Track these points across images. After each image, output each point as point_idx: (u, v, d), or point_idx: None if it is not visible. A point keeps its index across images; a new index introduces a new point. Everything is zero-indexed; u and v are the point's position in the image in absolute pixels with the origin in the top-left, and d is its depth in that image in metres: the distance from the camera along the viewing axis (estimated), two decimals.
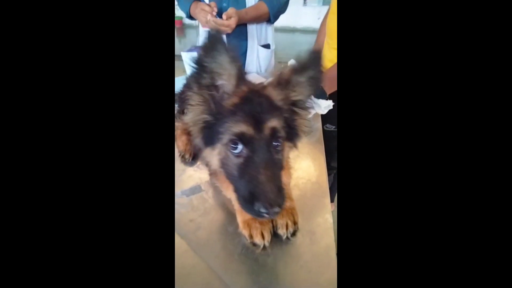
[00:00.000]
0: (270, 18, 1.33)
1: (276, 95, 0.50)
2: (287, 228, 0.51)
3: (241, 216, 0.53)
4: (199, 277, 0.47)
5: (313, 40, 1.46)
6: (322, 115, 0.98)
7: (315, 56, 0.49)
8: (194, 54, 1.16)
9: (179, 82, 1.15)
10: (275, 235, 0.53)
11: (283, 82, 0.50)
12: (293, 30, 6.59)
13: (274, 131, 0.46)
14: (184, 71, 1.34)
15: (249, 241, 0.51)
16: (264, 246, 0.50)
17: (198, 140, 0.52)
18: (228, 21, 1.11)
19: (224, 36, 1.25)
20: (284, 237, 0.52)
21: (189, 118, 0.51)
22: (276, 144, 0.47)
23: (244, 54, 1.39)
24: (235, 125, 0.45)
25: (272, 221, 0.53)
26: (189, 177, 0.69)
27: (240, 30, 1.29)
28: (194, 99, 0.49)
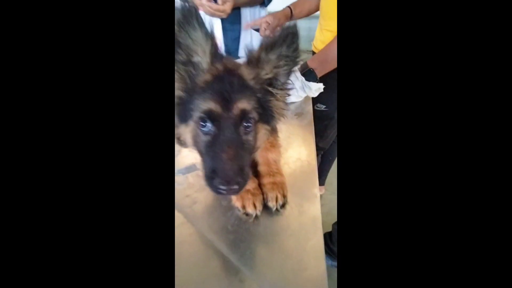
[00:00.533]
0: (264, 1, 1.32)
1: (247, 74, 0.49)
2: (276, 201, 0.55)
3: None
4: (195, 245, 0.51)
5: (311, 25, 1.44)
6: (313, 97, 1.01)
7: (288, 32, 0.46)
8: None
9: None
10: (265, 207, 0.57)
11: (253, 60, 0.49)
12: None
13: (243, 112, 0.46)
14: None
15: (242, 212, 0.55)
16: (256, 216, 0.54)
17: (176, 113, 0.52)
18: (223, 6, 1.11)
19: (219, 20, 1.26)
20: (274, 209, 0.56)
21: None
22: (246, 125, 0.47)
23: (238, 38, 1.39)
24: (204, 102, 0.45)
25: (263, 194, 0.57)
26: (185, 157, 0.72)
27: (234, 14, 1.28)
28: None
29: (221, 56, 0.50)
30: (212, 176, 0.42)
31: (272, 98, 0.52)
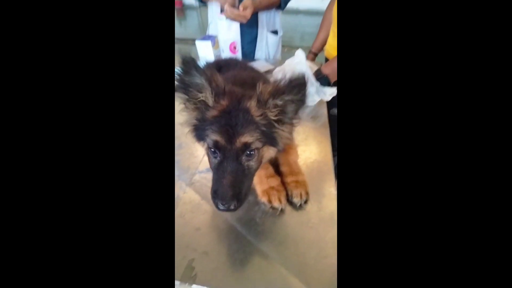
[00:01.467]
0: (281, 5, 1.37)
1: (254, 111, 0.53)
2: (301, 197, 0.63)
3: (260, 186, 0.65)
4: (226, 235, 0.59)
5: (317, 22, 1.51)
6: (327, 101, 1.07)
7: (296, 83, 0.51)
8: (208, 43, 1.22)
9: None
10: (289, 203, 0.64)
11: (262, 101, 0.53)
12: (296, 12, 6.42)
13: (245, 144, 0.52)
14: (196, 57, 1.40)
15: (268, 206, 0.63)
16: (282, 209, 0.62)
17: (192, 135, 0.61)
18: (244, 12, 1.18)
19: (238, 24, 1.32)
20: (298, 204, 0.64)
21: (184, 120, 0.60)
22: (249, 153, 0.54)
23: (254, 40, 1.45)
24: (211, 134, 0.53)
25: (287, 191, 0.64)
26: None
27: (252, 18, 1.34)
28: (188, 106, 0.57)
29: (223, 92, 0.55)
30: (214, 196, 0.52)
31: (277, 130, 0.57)
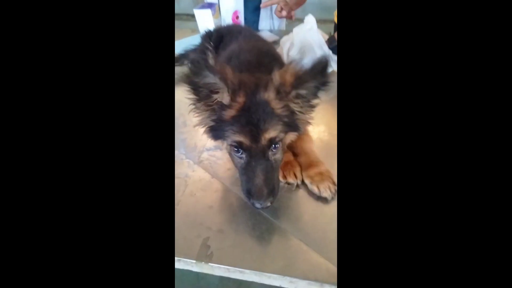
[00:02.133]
0: None
1: (275, 104, 0.49)
2: (330, 190, 0.56)
3: None
4: (243, 211, 0.56)
5: None
6: None
7: (319, 67, 0.47)
8: (208, 11, 1.13)
9: (192, 41, 1.14)
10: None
11: (283, 93, 0.49)
12: None
13: (271, 140, 0.49)
14: (194, 30, 1.31)
15: (284, 182, 0.59)
16: (297, 185, 0.59)
17: (208, 135, 0.56)
18: None
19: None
20: (330, 198, 0.56)
21: (198, 121, 0.55)
22: (274, 146, 0.51)
23: (258, 9, 1.34)
24: (233, 135, 0.49)
25: (311, 185, 0.58)
26: None
27: None
28: (199, 107, 0.52)
29: (238, 88, 0.49)
30: (248, 196, 0.50)
31: (298, 116, 0.53)
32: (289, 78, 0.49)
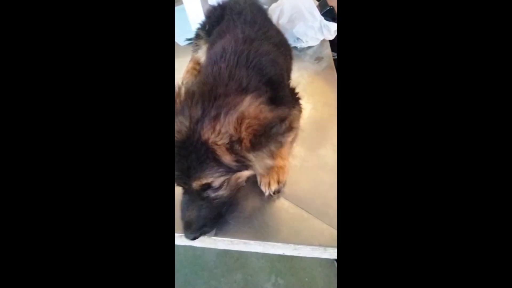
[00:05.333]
0: None
1: (228, 160, 0.41)
2: (268, 186, 0.52)
3: None
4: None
5: None
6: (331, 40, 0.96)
7: (276, 122, 0.39)
8: None
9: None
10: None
11: (237, 153, 0.41)
12: None
13: (206, 185, 0.43)
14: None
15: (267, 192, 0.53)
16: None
17: None
18: None
19: None
20: (266, 194, 0.52)
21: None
22: (214, 188, 0.44)
23: None
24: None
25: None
26: None
27: None
28: None
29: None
30: (183, 227, 0.45)
31: (254, 160, 0.42)
32: (245, 134, 0.39)
